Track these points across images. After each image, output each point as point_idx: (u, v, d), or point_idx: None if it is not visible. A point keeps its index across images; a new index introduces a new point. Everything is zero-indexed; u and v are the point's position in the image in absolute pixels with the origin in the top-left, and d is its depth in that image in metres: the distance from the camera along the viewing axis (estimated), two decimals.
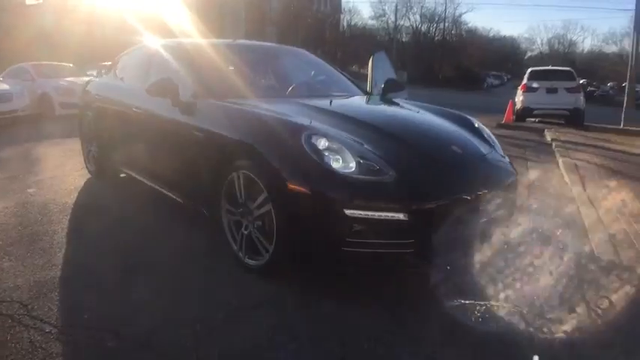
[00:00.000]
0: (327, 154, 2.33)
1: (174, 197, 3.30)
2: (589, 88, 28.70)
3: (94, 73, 13.44)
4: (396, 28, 51.36)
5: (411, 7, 52.42)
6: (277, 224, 2.36)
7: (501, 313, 2.29)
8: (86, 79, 10.72)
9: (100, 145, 4.30)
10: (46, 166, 5.10)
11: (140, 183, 3.92)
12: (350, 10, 44.42)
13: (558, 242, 3.31)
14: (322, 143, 2.35)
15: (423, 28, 54.43)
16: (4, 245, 2.95)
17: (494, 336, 2.11)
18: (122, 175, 4.41)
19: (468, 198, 2.43)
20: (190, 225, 3.33)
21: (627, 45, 42.06)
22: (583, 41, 71.54)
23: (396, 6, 47.62)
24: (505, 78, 55.17)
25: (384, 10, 51.58)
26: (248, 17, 33.42)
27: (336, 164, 2.30)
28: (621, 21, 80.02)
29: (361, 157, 2.34)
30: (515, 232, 3.06)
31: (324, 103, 3.15)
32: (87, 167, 4.70)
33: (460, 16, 52.64)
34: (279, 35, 32.21)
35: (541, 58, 71.96)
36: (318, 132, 2.42)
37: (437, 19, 53.13)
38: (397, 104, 3.46)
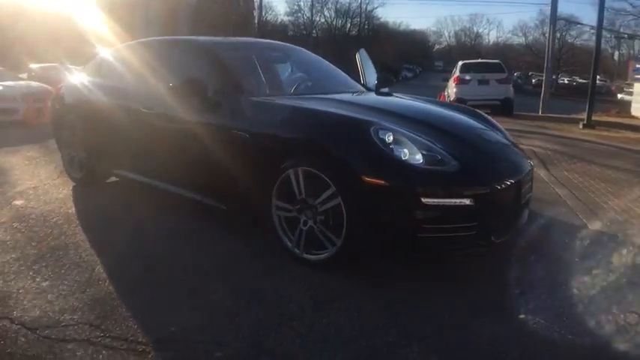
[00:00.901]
0: (394, 147, 2.43)
1: (199, 199, 3.21)
2: None
3: (25, 76, 12.30)
4: (312, 24, 52.03)
5: (326, 3, 53.46)
6: (348, 217, 2.42)
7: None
8: (21, 82, 9.82)
9: (91, 151, 4.02)
10: (18, 176, 4.64)
11: (139, 186, 3.79)
12: (264, 7, 43.97)
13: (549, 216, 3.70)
14: (389, 137, 2.44)
15: (338, 23, 55.70)
16: (29, 264, 2.69)
17: None
18: (110, 180, 4.22)
19: (513, 182, 2.66)
20: (219, 225, 3.26)
21: (539, 35, 46.18)
22: (489, 33, 76.99)
23: (312, 2, 48.25)
24: (417, 70, 57.95)
25: (299, 6, 52.09)
26: (162, 17, 32.20)
27: (405, 157, 2.41)
28: (531, 13, 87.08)
29: (424, 149, 2.46)
30: None
31: (355, 99, 3.23)
32: (69, 174, 4.37)
33: (372, 10, 54.48)
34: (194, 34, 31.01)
35: (449, 51, 76.51)
36: (384, 126, 2.50)
37: (352, 14, 54.63)
38: (415, 99, 3.62)
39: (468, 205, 2.41)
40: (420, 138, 2.53)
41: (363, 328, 2.11)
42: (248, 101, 2.96)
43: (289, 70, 3.82)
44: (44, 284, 2.46)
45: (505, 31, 74.37)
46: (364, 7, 51.45)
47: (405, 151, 2.43)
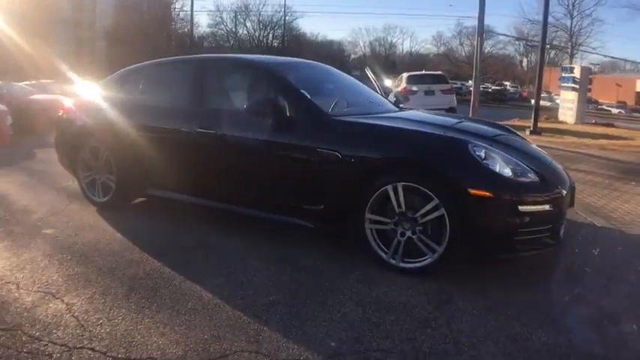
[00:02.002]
0: (487, 162, 2.70)
1: (278, 219, 3.26)
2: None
3: None
4: (236, 36, 51.95)
5: (249, 15, 53.61)
6: (451, 225, 2.63)
7: None
8: None
9: (124, 173, 3.85)
10: (24, 203, 4.26)
11: (166, 205, 3.84)
12: (184, 19, 42.59)
13: None
14: (483, 153, 2.71)
15: (260, 35, 56.03)
16: (121, 297, 2.56)
17: None
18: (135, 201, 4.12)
19: (569, 189, 3.04)
20: (281, 241, 3.31)
21: (456, 46, 50.03)
22: (402, 43, 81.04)
23: (236, 13, 48.20)
24: None
25: (221, 18, 51.74)
26: (78, 34, 30.75)
27: (498, 170, 2.69)
28: (448, 25, 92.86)
29: (510, 164, 2.76)
30: None
31: (421, 117, 3.48)
32: (89, 198, 4.13)
33: (292, 22, 55.44)
34: (116, 51, 29.42)
35: (364, 60, 79.58)
36: (477, 144, 2.77)
37: (274, 25, 55.21)
38: (458, 116, 3.92)
39: (547, 210, 2.75)
40: (503, 153, 2.82)
41: (492, 324, 2.33)
42: (333, 120, 3.08)
43: (343, 89, 3.93)
44: (160, 317, 2.36)
45: (418, 41, 78.56)
46: (286, 18, 52.27)
47: (497, 165, 2.71)
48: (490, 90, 35.46)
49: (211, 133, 3.37)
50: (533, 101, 29.00)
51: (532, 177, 2.77)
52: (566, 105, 13.21)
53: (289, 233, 3.34)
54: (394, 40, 76.73)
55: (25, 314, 2.37)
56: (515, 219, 2.63)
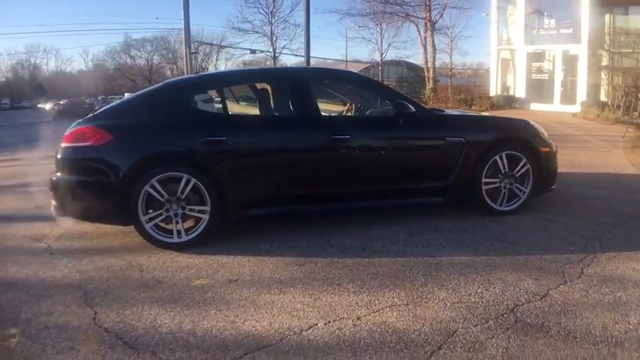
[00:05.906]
0: (540, 131, 4.31)
1: (411, 202, 3.95)
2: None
3: None
4: None
5: None
6: (533, 174, 4.08)
7: None
8: None
9: (224, 198, 3.48)
10: (65, 275, 3.10)
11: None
12: None
13: None
14: (536, 125, 4.30)
15: None
16: (443, 288, 2.84)
17: None
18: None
19: None
20: (411, 218, 3.94)
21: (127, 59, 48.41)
22: (47, 63, 71.79)
23: None
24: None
25: None
26: None
27: (545, 134, 4.35)
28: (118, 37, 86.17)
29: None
30: None
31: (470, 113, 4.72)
32: (162, 243, 3.42)
33: None
34: None
35: (8, 85, 67.68)
36: (531, 120, 4.33)
37: None
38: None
39: None
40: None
41: (596, 223, 3.93)
42: (447, 116, 4.09)
43: None
44: (477, 277, 2.86)
45: (64, 59, 71.73)
46: None
47: (542, 131, 4.34)
48: None
49: (347, 138, 3.67)
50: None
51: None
52: None
53: (396, 214, 4.04)
54: (38, 62, 68.81)
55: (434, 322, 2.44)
56: (556, 162, 4.34)
